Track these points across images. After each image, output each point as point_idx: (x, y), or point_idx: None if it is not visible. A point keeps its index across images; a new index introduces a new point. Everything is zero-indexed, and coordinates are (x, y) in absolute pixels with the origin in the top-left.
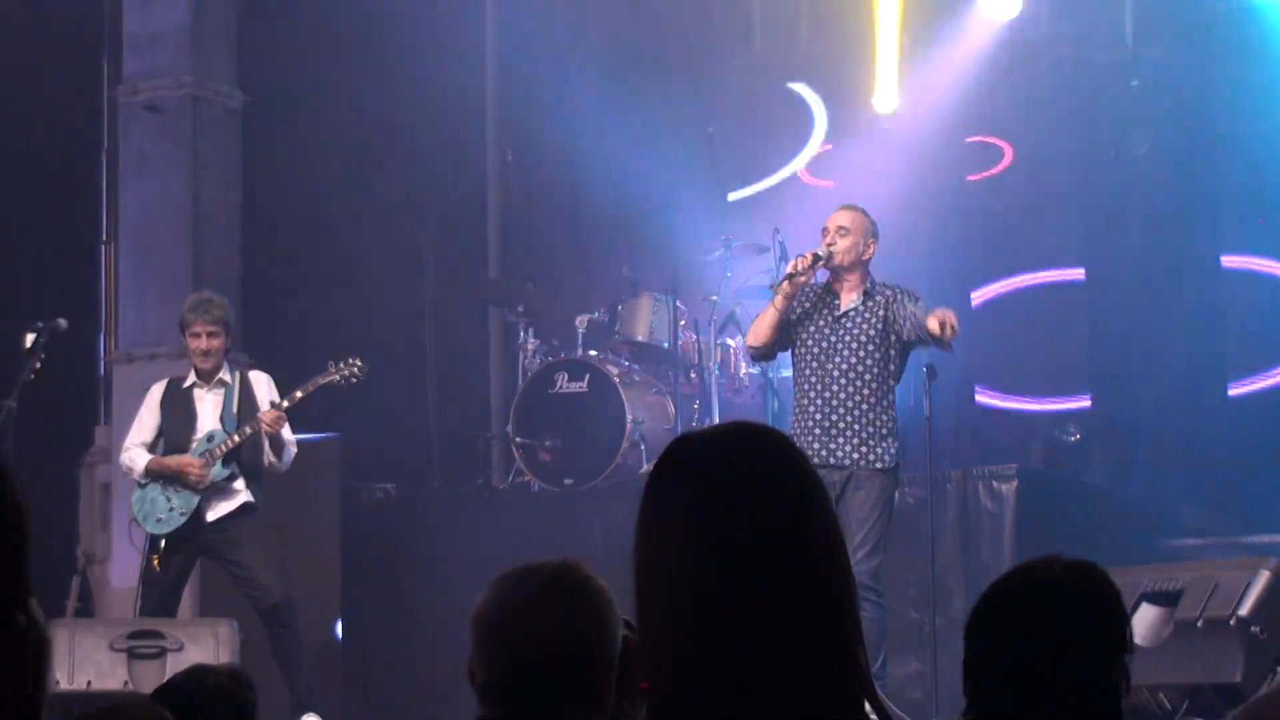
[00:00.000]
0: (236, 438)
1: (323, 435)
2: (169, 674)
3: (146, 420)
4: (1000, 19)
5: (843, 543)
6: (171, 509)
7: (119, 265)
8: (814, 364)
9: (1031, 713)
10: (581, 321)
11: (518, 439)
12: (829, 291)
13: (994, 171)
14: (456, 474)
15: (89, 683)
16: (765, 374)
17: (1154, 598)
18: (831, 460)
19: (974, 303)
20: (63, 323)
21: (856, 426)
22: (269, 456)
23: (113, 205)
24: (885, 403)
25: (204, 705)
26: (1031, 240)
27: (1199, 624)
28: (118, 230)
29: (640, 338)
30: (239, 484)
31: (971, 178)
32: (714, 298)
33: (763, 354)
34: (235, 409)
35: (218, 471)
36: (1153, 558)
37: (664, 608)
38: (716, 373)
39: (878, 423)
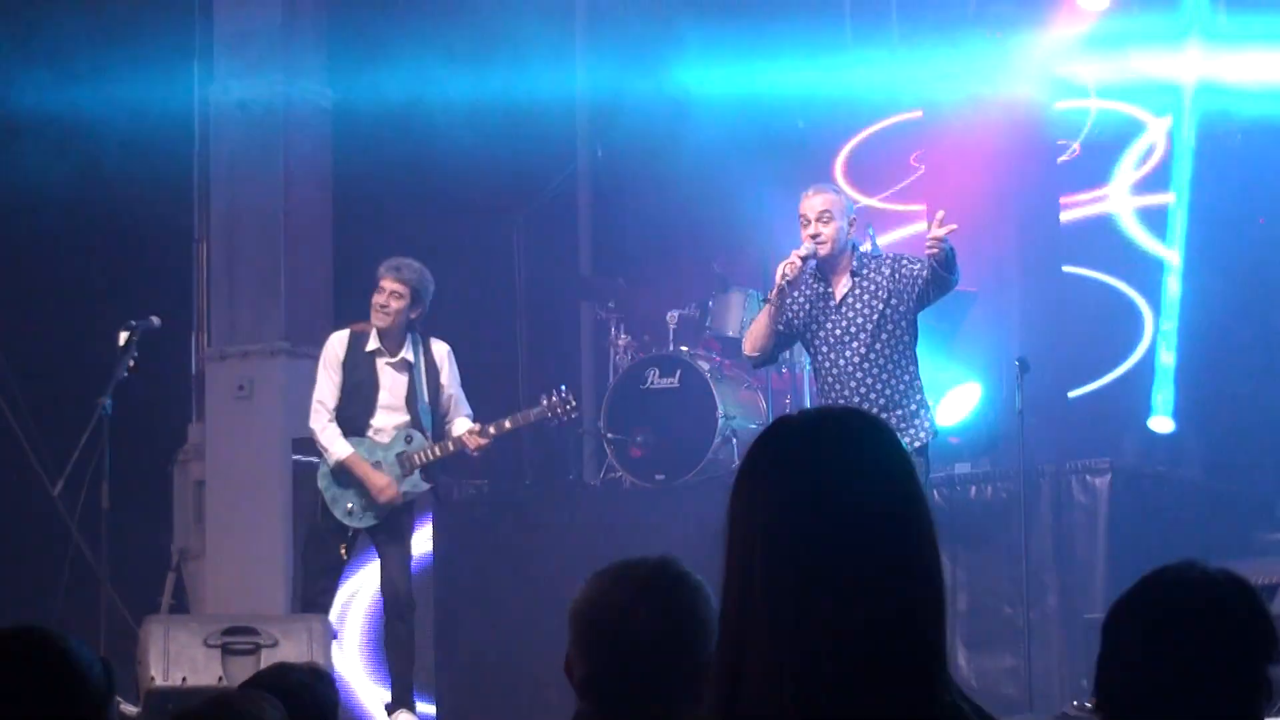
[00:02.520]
0: (438, 451)
1: None
2: None
3: (331, 380)
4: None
5: (935, 531)
6: (365, 509)
7: (211, 263)
8: (827, 362)
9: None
10: (672, 317)
11: (609, 435)
12: (820, 281)
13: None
14: (548, 470)
15: (184, 679)
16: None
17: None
18: None
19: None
20: (156, 320)
21: (887, 413)
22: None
23: (205, 204)
24: (908, 377)
25: (286, 701)
26: None
27: None
28: (209, 229)
29: (731, 333)
30: (428, 483)
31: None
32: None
33: (761, 361)
34: (427, 398)
35: (414, 481)
36: (1249, 552)
37: (761, 592)
38: (807, 367)
39: (904, 402)
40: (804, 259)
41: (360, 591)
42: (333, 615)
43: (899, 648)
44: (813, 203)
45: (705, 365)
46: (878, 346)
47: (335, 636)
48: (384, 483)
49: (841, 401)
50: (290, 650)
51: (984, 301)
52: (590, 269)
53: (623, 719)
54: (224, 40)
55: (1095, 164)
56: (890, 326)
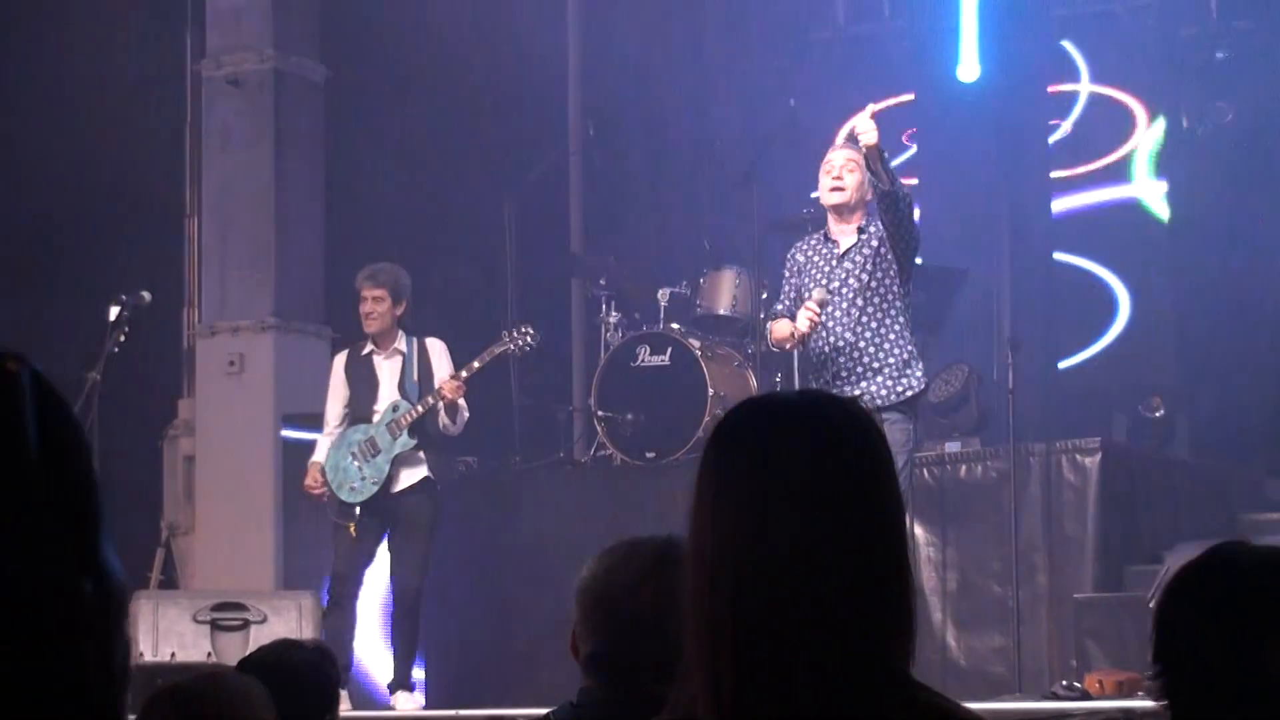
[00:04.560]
0: (420, 408)
1: None
2: (252, 646)
3: (338, 394)
4: None
5: (904, 522)
6: (364, 478)
7: (202, 239)
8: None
9: (1235, 700)
10: (663, 295)
11: (599, 412)
12: (826, 239)
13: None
14: (538, 447)
15: (173, 654)
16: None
17: None
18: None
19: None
20: (146, 296)
21: (879, 361)
22: (444, 420)
23: (196, 179)
24: (898, 326)
25: (289, 679)
26: None
27: None
28: (200, 204)
29: (722, 310)
30: (421, 454)
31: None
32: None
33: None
34: (415, 377)
35: (404, 442)
36: (1238, 531)
37: (715, 577)
38: (798, 345)
39: (896, 351)
40: (821, 306)
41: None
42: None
43: (863, 643)
44: (841, 153)
45: (696, 343)
46: (868, 294)
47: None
48: (308, 480)
49: (833, 350)
50: (279, 626)
51: (975, 280)
52: (581, 246)
53: (627, 695)
54: (216, 14)
55: (1087, 146)
56: (880, 274)
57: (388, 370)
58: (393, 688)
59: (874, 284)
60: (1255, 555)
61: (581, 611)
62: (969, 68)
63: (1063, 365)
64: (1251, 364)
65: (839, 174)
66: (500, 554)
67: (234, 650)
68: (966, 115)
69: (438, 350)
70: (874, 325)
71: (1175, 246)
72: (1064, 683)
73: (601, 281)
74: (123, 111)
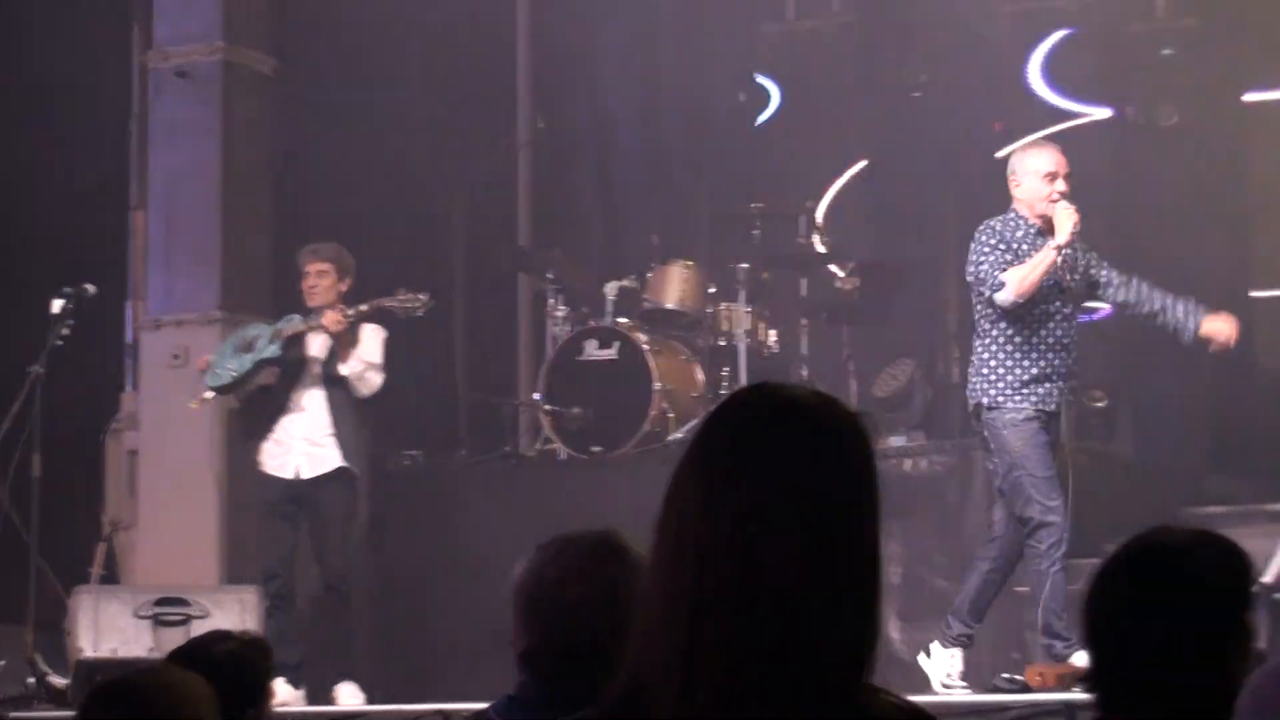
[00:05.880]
0: (303, 326)
1: None
2: None
3: None
4: None
5: (879, 527)
6: (228, 368)
7: (148, 232)
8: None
9: (1162, 684)
10: (611, 289)
11: (546, 406)
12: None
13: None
14: (484, 441)
15: (114, 650)
16: (794, 342)
17: None
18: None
19: None
20: (91, 288)
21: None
22: (341, 366)
23: (142, 172)
24: None
25: (214, 671)
26: None
27: None
28: (147, 197)
29: (670, 304)
30: (334, 441)
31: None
32: (743, 265)
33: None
34: (335, 350)
35: (273, 350)
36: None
37: (671, 572)
38: (746, 339)
39: None
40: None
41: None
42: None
43: (830, 634)
44: (1063, 158)
45: (643, 337)
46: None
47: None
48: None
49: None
50: (222, 620)
51: (919, 275)
52: (529, 240)
53: (562, 692)
54: (163, 5)
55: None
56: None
57: (317, 345)
58: (333, 680)
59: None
60: (1178, 540)
61: (516, 608)
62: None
63: None
64: (1192, 358)
65: (1064, 183)
66: (445, 548)
67: (176, 645)
68: (914, 109)
69: (369, 332)
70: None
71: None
72: (1005, 675)
73: (549, 275)
74: (68, 103)
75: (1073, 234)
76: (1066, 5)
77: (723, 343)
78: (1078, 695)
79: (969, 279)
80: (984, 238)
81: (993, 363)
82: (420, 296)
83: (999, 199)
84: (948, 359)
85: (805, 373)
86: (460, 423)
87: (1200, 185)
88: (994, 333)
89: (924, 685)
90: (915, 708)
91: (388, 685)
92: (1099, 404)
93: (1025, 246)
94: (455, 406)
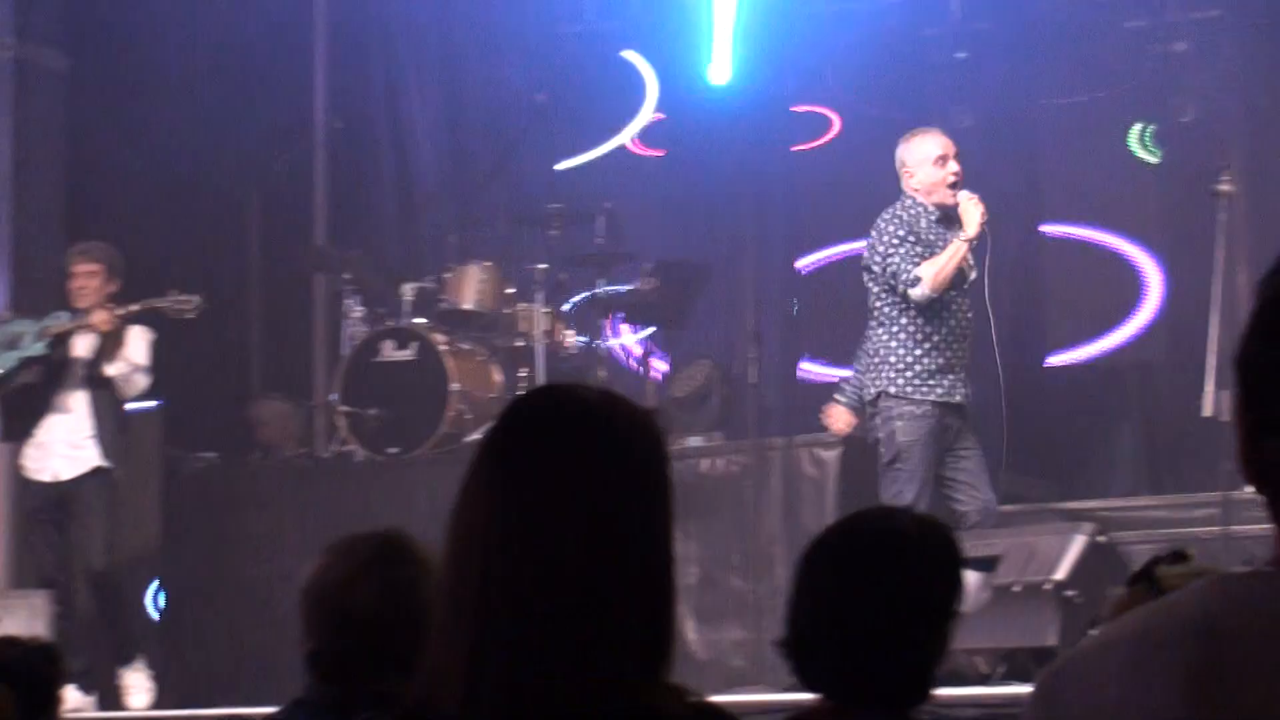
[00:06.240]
0: (70, 325)
1: (145, 405)
2: None
3: None
4: None
5: (672, 525)
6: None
7: None
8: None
9: (853, 658)
10: (409, 289)
11: (342, 407)
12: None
13: (821, 141)
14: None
15: None
16: (591, 343)
17: (973, 563)
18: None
19: (801, 271)
20: None
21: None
22: (110, 366)
23: None
24: None
25: (3, 678)
26: (861, 210)
27: (1016, 589)
28: None
29: (467, 305)
30: (93, 441)
31: (795, 148)
32: (541, 266)
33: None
34: (101, 350)
35: (38, 348)
36: (961, 525)
37: (461, 574)
38: (544, 340)
39: None
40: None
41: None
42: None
43: (621, 634)
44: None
45: (440, 338)
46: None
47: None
48: None
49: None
50: (11, 626)
51: (719, 276)
52: (326, 240)
53: (346, 692)
54: None
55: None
56: None
57: (83, 345)
58: (118, 664)
59: None
60: (900, 518)
61: (302, 609)
62: (719, 71)
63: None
64: (984, 359)
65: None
66: (239, 550)
67: None
68: (713, 111)
69: (136, 334)
70: None
71: None
72: None
73: (346, 275)
74: None
75: (981, 225)
76: (859, 7)
77: (521, 344)
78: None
79: (874, 269)
80: (891, 228)
81: (900, 350)
82: (192, 298)
83: (796, 199)
84: (745, 359)
85: (603, 374)
86: (256, 424)
87: (997, 185)
88: (902, 320)
89: (722, 685)
90: (713, 707)
91: (182, 689)
92: None
93: (931, 236)
94: (250, 407)
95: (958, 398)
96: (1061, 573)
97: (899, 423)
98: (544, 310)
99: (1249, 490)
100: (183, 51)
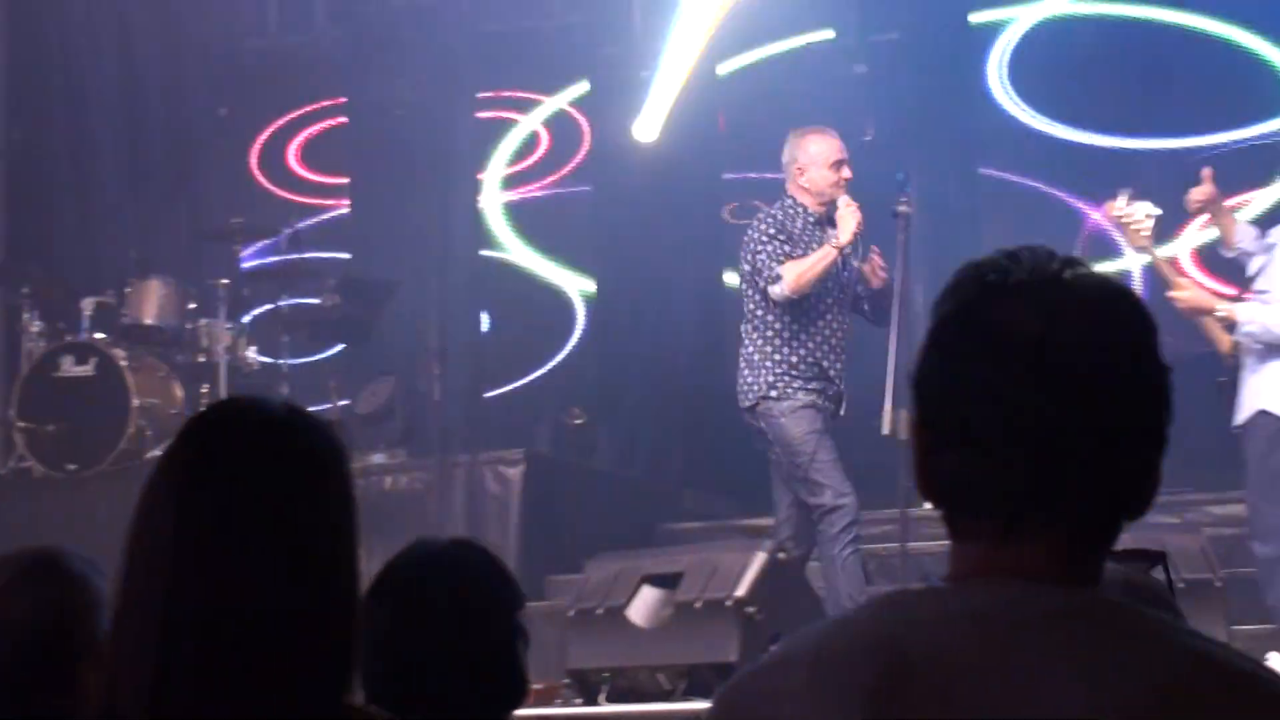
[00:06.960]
0: None
1: None
2: None
3: None
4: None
5: (356, 530)
6: None
7: None
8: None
9: (435, 685)
10: (89, 304)
11: (19, 423)
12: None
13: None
14: None
15: None
16: (276, 359)
17: (655, 580)
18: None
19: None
20: None
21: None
22: None
23: None
24: None
25: None
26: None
27: (698, 606)
28: None
29: (149, 320)
30: None
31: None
32: (224, 281)
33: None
34: None
35: None
36: (656, 541)
37: (142, 594)
38: (226, 356)
39: None
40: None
41: None
42: None
43: (306, 654)
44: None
45: (121, 353)
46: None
47: None
48: None
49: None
50: None
51: (405, 293)
52: (3, 253)
53: (12, 711)
54: None
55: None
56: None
57: None
58: None
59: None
60: (436, 546)
61: None
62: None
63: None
64: (666, 377)
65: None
66: None
67: None
68: (399, 127)
69: None
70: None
71: (607, 261)
72: None
73: (24, 290)
74: None
75: (855, 233)
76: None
77: (203, 359)
78: (557, 710)
79: (744, 266)
80: (763, 226)
81: (768, 348)
82: None
83: (547, 221)
84: (429, 376)
85: (286, 390)
86: None
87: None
88: (769, 319)
89: None
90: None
91: None
92: (578, 421)
93: (806, 237)
94: None
95: (829, 404)
96: (743, 589)
97: (784, 419)
98: (226, 326)
99: (926, 506)
100: None
